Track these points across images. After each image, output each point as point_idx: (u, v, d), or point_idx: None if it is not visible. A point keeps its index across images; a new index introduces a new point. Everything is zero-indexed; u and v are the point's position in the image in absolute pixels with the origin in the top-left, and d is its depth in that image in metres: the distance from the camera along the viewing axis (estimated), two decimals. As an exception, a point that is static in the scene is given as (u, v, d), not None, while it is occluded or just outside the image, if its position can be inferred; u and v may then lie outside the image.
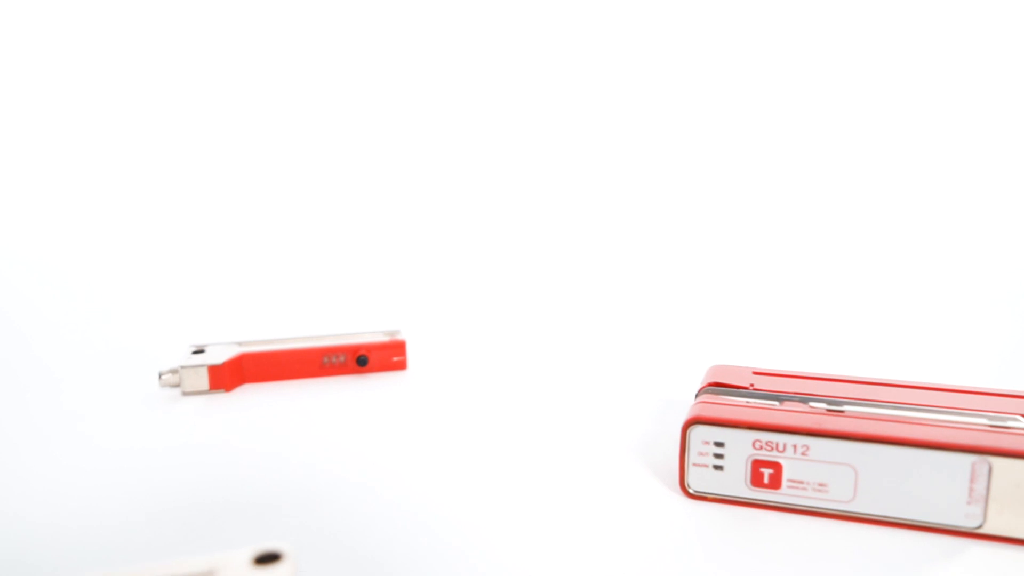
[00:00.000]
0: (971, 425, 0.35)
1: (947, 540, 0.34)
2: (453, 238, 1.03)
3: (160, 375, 0.54)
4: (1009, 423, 0.36)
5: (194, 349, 0.57)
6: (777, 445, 0.36)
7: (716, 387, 0.41)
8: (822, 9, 1.01)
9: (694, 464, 0.38)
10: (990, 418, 0.36)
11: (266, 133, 1.08)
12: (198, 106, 1.07)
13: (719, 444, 0.37)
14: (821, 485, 0.36)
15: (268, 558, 0.25)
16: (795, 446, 0.36)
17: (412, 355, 0.64)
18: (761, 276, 0.89)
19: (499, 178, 1.07)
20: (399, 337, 0.60)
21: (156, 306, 0.81)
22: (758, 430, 0.36)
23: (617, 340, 0.67)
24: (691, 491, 0.38)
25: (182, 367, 0.54)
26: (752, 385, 0.41)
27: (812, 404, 0.38)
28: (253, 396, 0.55)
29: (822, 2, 1.01)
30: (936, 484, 0.34)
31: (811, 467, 0.36)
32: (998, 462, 0.33)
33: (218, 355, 0.56)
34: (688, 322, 0.73)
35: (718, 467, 0.37)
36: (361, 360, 0.59)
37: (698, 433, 0.37)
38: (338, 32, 1.08)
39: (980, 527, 0.34)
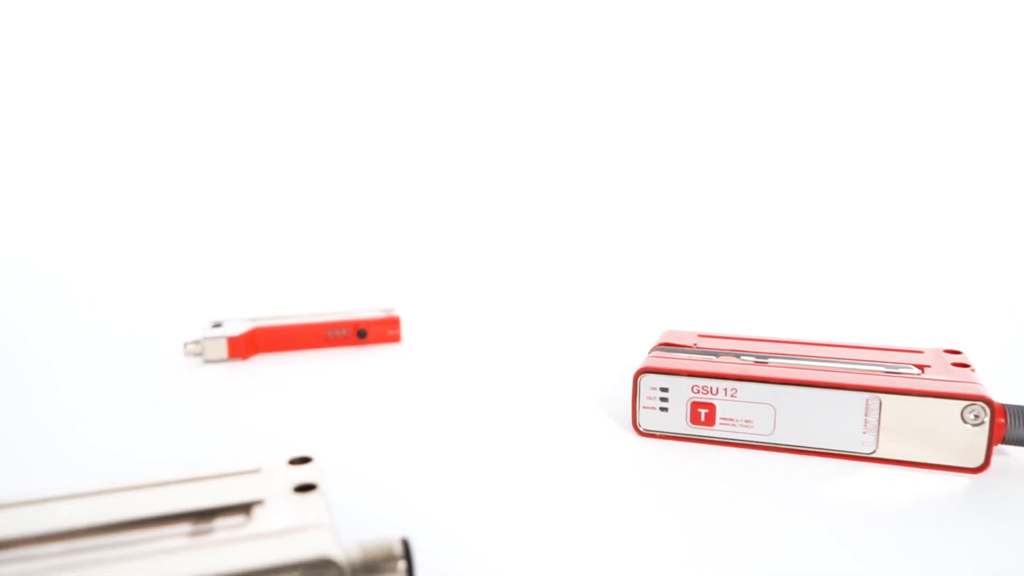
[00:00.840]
0: (869, 371, 0.43)
1: (848, 464, 0.42)
2: (443, 227, 1.10)
3: (185, 345, 0.61)
4: (900, 370, 0.43)
5: (213, 323, 0.64)
6: (711, 389, 0.44)
7: (664, 346, 0.48)
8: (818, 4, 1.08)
9: (644, 407, 0.45)
10: (886, 367, 0.44)
11: (266, 127, 1.14)
12: (198, 103, 1.13)
13: (664, 390, 0.45)
14: (747, 421, 0.43)
15: (300, 460, 0.32)
16: (726, 390, 0.43)
17: (405, 329, 0.71)
18: (715, 253, 0.96)
19: (481, 167, 1.14)
20: (394, 314, 0.67)
21: (178, 288, 0.88)
22: (696, 377, 0.44)
23: (589, 313, 0.74)
24: (642, 430, 0.46)
25: (204, 338, 0.61)
26: (695, 344, 0.49)
27: (743, 358, 0.46)
28: (266, 364, 0.62)
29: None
30: (838, 418, 0.42)
31: (739, 407, 0.43)
32: (887, 399, 0.41)
33: (235, 328, 0.63)
34: (653, 297, 0.80)
35: (663, 409, 0.45)
36: (361, 333, 0.66)
37: (647, 381, 0.45)
38: (337, 22, 1.14)
39: (873, 452, 0.41)
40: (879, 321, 0.71)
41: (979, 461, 0.40)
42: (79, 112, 1.11)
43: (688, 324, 0.71)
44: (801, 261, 0.95)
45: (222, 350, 0.61)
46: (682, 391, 0.44)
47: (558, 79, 1.14)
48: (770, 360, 0.45)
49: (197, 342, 0.62)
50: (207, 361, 0.62)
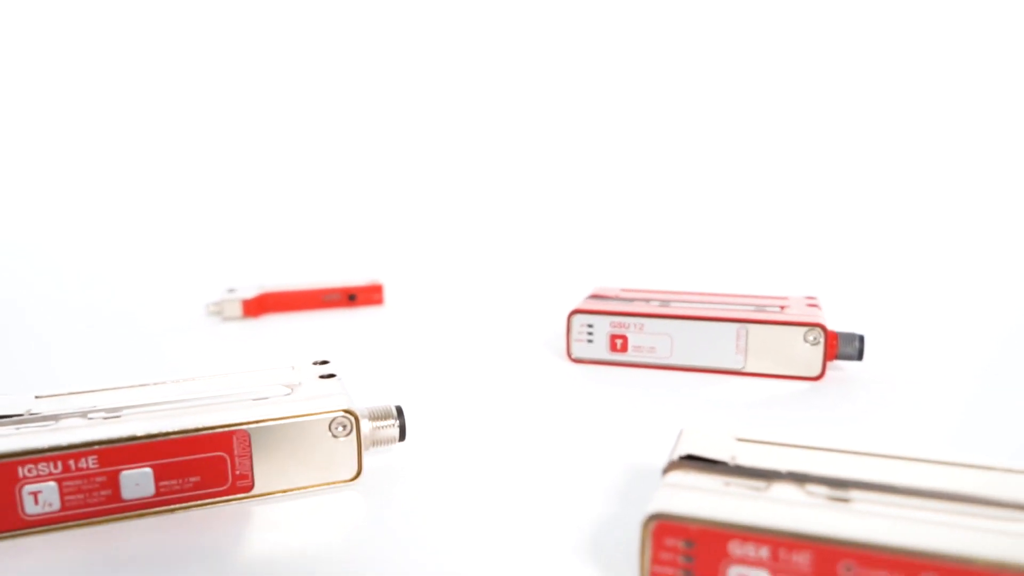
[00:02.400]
0: (741, 309, 0.57)
1: (724, 377, 0.55)
2: (420, 212, 1.22)
3: (206, 306, 0.74)
4: (767, 308, 0.57)
5: (229, 289, 0.77)
6: (625, 324, 0.57)
7: (594, 297, 0.62)
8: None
9: (575, 340, 0.59)
10: (756, 306, 0.57)
11: (272, 125, 1.26)
12: (208, 99, 1.25)
13: (590, 326, 0.58)
14: (651, 348, 0.57)
15: (321, 362, 0.45)
16: (635, 324, 0.57)
17: (388, 294, 0.84)
18: (643, 225, 1.10)
19: (445, 164, 1.27)
20: (378, 282, 0.80)
21: (201, 261, 1.00)
22: (613, 315, 0.57)
23: (540, 278, 0.88)
24: (573, 357, 0.59)
25: (222, 300, 0.74)
26: (617, 295, 0.62)
27: (651, 303, 0.59)
28: (274, 322, 0.74)
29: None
30: (718, 342, 0.55)
31: (646, 337, 0.57)
32: (753, 328, 0.54)
33: (247, 293, 0.76)
34: (591, 262, 0.93)
35: (590, 340, 0.58)
36: (351, 297, 0.79)
37: (577, 319, 0.58)
38: (328, 13, 1.26)
39: (743, 368, 0.55)
40: (767, 279, 0.85)
41: (817, 372, 0.54)
42: (101, 106, 1.22)
43: (616, 282, 0.85)
44: (710, 229, 1.09)
45: (237, 310, 0.74)
46: (603, 327, 0.58)
47: (525, 75, 1.27)
48: (670, 304, 0.59)
49: (216, 303, 0.74)
50: (225, 319, 0.74)
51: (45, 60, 1.20)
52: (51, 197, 1.18)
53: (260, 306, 0.76)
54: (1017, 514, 0.26)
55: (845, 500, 0.27)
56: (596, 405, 0.50)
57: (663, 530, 0.27)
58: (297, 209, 1.22)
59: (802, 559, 0.25)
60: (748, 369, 0.55)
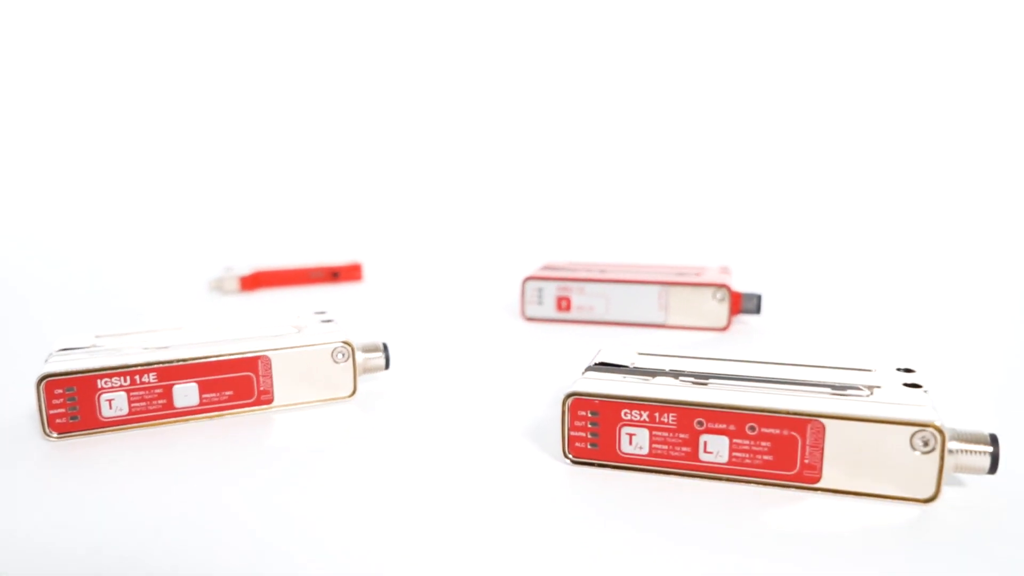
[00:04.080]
0: (663, 274, 0.68)
1: (649, 329, 0.67)
2: (396, 199, 1.33)
3: (209, 282, 0.84)
4: (685, 274, 0.69)
5: (226, 267, 0.87)
6: (569, 288, 0.69)
7: (543, 267, 0.73)
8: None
9: (527, 302, 0.70)
10: (675, 273, 0.69)
11: (263, 123, 1.35)
12: (209, 96, 1.34)
13: (540, 290, 0.69)
14: (591, 307, 0.68)
15: (320, 312, 0.56)
16: (577, 288, 0.68)
17: (367, 272, 0.95)
18: (596, 200, 1.21)
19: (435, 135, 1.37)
20: (358, 261, 0.91)
21: (202, 243, 1.10)
22: (561, 281, 0.69)
23: (496, 249, 0.99)
24: (527, 316, 0.70)
25: (222, 276, 0.84)
26: (565, 267, 0.74)
27: (591, 271, 0.71)
28: (267, 295, 0.85)
29: None
30: (644, 301, 0.67)
31: (586, 298, 0.68)
32: (672, 289, 0.66)
33: (243, 270, 0.86)
34: (545, 236, 1.05)
35: (540, 302, 0.70)
36: (335, 274, 0.89)
37: (530, 285, 0.69)
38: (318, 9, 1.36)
39: (665, 322, 0.67)
40: (700, 252, 0.97)
41: (723, 323, 0.65)
42: (108, 105, 1.31)
43: (565, 256, 0.96)
44: (645, 206, 1.21)
45: (235, 285, 0.84)
46: (551, 290, 0.69)
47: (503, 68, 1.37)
48: (607, 272, 0.70)
49: (216, 280, 0.84)
50: (224, 293, 0.84)
51: (46, 50, 1.29)
52: (65, 189, 1.27)
53: (255, 282, 0.86)
54: (813, 388, 0.37)
55: (704, 383, 0.38)
56: (543, 351, 0.61)
57: (577, 404, 0.38)
58: (287, 197, 1.32)
59: (669, 418, 0.37)
60: (669, 323, 0.67)
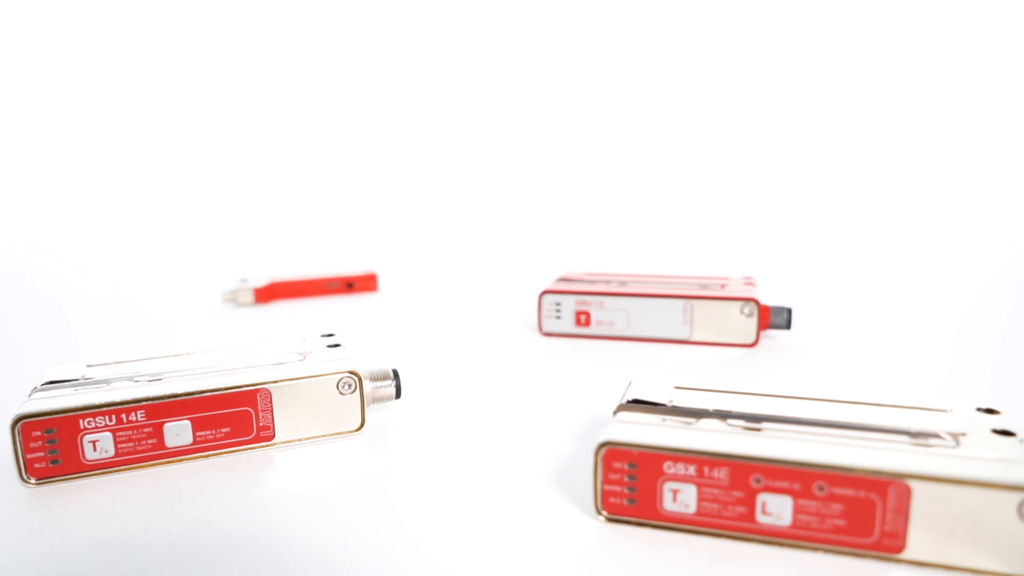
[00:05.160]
0: (687, 287, 0.61)
1: (673, 345, 0.59)
2: (411, 210, 1.25)
3: (223, 294, 0.77)
4: (709, 286, 0.61)
5: (242, 278, 0.80)
6: (588, 302, 0.61)
7: (560, 280, 0.66)
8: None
9: (545, 316, 0.62)
10: (700, 285, 0.61)
11: (281, 136, 1.28)
12: (231, 99, 1.27)
13: (558, 304, 0.62)
14: (611, 322, 0.61)
15: (327, 335, 0.49)
16: (597, 302, 0.61)
17: (382, 283, 0.87)
18: (603, 214, 1.14)
19: (453, 147, 1.30)
20: (373, 272, 0.84)
21: (217, 254, 1.03)
22: (580, 295, 0.61)
23: (510, 260, 0.91)
24: (544, 331, 0.63)
25: (237, 288, 0.77)
26: (582, 279, 0.66)
27: (609, 284, 0.63)
28: (282, 307, 0.77)
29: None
30: (667, 316, 0.59)
31: (606, 313, 0.61)
32: (697, 303, 0.58)
33: (258, 282, 0.79)
34: (561, 247, 0.97)
35: (558, 316, 0.62)
36: (350, 285, 0.82)
37: (547, 299, 0.62)
38: (326, 13, 1.29)
39: (689, 337, 0.59)
40: (713, 261, 0.89)
41: (751, 339, 0.58)
42: (126, 111, 1.24)
43: (581, 267, 0.88)
44: (666, 215, 1.13)
45: (249, 297, 0.77)
46: (570, 304, 0.61)
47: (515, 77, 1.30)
48: (627, 284, 0.63)
49: (231, 291, 0.77)
50: (239, 305, 0.77)
51: (70, 55, 1.22)
52: (81, 199, 1.20)
53: (270, 293, 0.79)
54: (886, 435, 0.30)
55: (757, 429, 0.31)
56: (563, 370, 0.54)
57: (611, 455, 0.31)
58: (301, 208, 1.25)
59: (721, 474, 0.29)
60: (693, 338, 0.59)
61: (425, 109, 1.30)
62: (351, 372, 0.41)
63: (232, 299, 0.77)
